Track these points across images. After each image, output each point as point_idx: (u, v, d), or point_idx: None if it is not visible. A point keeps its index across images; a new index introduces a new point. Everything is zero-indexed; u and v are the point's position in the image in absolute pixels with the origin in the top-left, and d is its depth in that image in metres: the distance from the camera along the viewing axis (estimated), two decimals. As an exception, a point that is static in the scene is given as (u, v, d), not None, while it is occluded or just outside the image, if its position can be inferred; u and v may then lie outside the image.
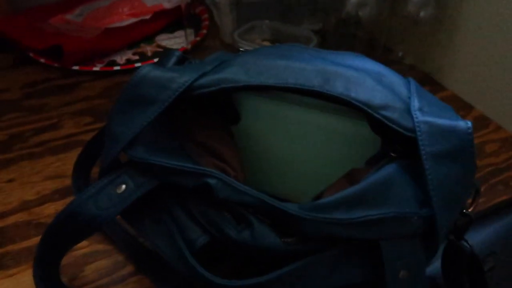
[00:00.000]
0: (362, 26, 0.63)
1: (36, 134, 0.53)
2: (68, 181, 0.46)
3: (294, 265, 0.30)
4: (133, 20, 0.71)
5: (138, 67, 0.49)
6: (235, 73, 0.34)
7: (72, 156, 0.49)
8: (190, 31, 0.75)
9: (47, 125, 0.55)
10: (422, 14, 0.61)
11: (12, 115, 0.56)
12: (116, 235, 0.39)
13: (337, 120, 0.39)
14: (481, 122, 0.61)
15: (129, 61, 0.67)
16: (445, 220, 0.31)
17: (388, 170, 0.32)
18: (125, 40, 0.70)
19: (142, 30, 0.72)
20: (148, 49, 0.71)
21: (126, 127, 0.31)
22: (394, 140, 0.35)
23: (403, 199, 0.31)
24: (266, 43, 0.69)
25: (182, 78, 0.33)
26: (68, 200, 0.42)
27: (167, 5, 0.75)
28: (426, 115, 0.32)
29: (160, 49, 0.72)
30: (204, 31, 0.75)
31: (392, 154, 0.34)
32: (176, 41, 0.74)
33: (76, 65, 0.64)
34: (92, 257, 0.39)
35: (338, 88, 0.33)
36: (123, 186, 0.31)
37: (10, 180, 0.47)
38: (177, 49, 0.69)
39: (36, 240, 0.40)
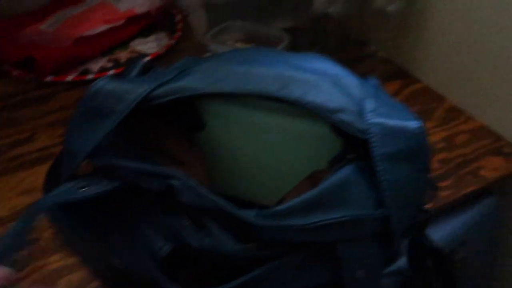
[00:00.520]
0: (334, 22, 0.63)
1: (11, 149, 0.54)
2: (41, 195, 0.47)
3: (257, 271, 0.31)
4: (106, 27, 0.71)
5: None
6: (194, 81, 0.34)
7: (46, 170, 0.50)
8: (163, 34, 0.75)
9: (21, 138, 0.55)
10: (390, 7, 0.61)
11: (-14, 130, 0.56)
12: (81, 250, 0.40)
13: (299, 123, 0.39)
14: (452, 113, 0.62)
15: (103, 69, 0.67)
16: (400, 219, 0.32)
17: (345, 172, 0.33)
18: (99, 47, 0.70)
19: (116, 36, 0.72)
20: (122, 55, 0.71)
21: (83, 141, 0.32)
22: (353, 142, 0.35)
23: (360, 201, 0.31)
24: (240, 44, 0.69)
25: (139, 89, 0.33)
26: (41, 214, 0.43)
27: (140, 10, 0.75)
28: (379, 116, 0.33)
29: (135, 55, 0.72)
30: (179, 34, 0.75)
31: (349, 156, 0.35)
32: (150, 45, 0.74)
33: (50, 75, 0.64)
34: (64, 271, 0.39)
35: (295, 92, 0.34)
36: (85, 188, 0.31)
37: (-15, 197, 0.47)
38: (146, 56, 0.70)
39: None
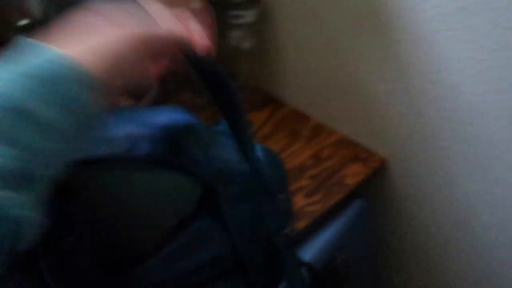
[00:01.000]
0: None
1: None
2: None
3: None
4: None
5: None
6: None
7: None
8: None
9: None
10: (244, 45, 0.66)
11: None
12: None
13: (157, 175, 0.41)
14: (317, 130, 0.68)
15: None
16: (252, 251, 0.35)
17: (201, 221, 0.35)
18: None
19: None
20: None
21: None
22: (208, 189, 0.38)
23: (216, 246, 0.34)
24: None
25: None
26: None
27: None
28: (218, 162, 0.36)
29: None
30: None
31: (206, 203, 0.37)
32: None
33: None
34: None
35: (143, 149, 0.35)
36: None
37: None
38: None
39: None
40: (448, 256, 0.62)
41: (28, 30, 0.48)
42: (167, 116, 0.41)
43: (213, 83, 0.36)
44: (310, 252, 0.52)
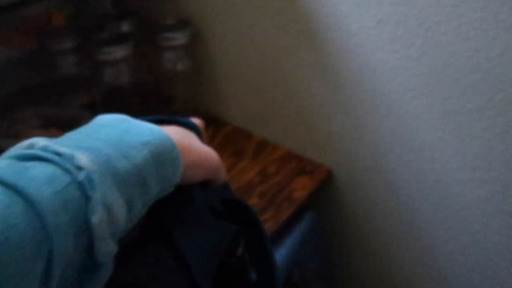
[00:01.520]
0: (129, 91, 0.64)
1: None
2: None
3: None
4: None
5: None
6: None
7: None
8: None
9: None
10: (178, 67, 0.65)
11: None
12: None
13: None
14: (262, 146, 0.68)
15: None
16: (206, 274, 0.33)
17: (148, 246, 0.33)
18: None
19: None
20: None
21: None
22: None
23: (168, 272, 0.32)
24: (39, 132, 0.65)
25: None
26: None
27: None
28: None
29: None
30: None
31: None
32: None
33: None
34: None
35: None
36: None
37: None
38: None
39: None
40: (400, 258, 0.64)
41: None
42: None
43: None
44: (265, 272, 0.51)
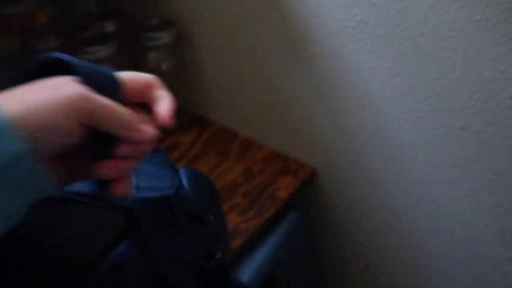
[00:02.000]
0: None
1: None
2: None
3: None
4: None
5: None
6: None
7: None
8: None
9: None
10: (164, 67, 0.65)
11: None
12: None
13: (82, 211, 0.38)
14: (246, 145, 0.68)
15: None
16: (182, 277, 0.33)
17: (122, 251, 0.33)
18: None
19: None
20: None
21: None
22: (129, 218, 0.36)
23: (137, 272, 0.32)
24: None
25: None
26: None
27: None
28: (140, 192, 0.34)
29: None
30: None
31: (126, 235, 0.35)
32: None
33: None
34: None
35: (74, 187, 0.34)
36: None
37: None
38: None
39: None
40: (384, 257, 0.64)
41: None
42: None
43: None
44: (248, 271, 0.51)
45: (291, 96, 0.60)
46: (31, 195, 0.24)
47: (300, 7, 0.51)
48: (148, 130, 0.29)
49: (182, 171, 0.43)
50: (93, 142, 0.27)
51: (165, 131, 0.71)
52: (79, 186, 0.33)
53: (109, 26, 0.67)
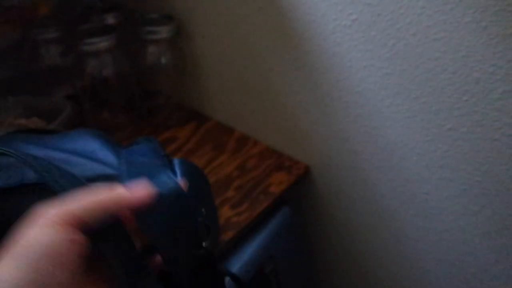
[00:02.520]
0: (113, 83, 0.65)
1: None
2: None
3: None
4: None
5: None
6: None
7: None
8: None
9: None
10: (163, 61, 0.66)
11: None
12: None
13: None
14: (242, 141, 0.69)
15: None
16: (175, 260, 0.35)
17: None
18: None
19: None
20: None
21: None
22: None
23: None
24: (23, 121, 0.65)
25: None
26: None
27: None
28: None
29: None
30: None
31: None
32: None
33: None
34: None
35: (31, 178, 0.35)
36: None
37: None
38: None
39: None
40: (374, 254, 0.65)
41: None
42: (81, 142, 0.40)
43: None
44: (238, 263, 0.52)
45: (286, 93, 0.60)
46: None
47: (296, 5, 0.51)
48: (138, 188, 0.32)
49: (176, 162, 0.44)
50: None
51: (162, 125, 0.72)
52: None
53: (110, 19, 0.68)
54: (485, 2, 0.38)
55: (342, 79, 0.52)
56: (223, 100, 0.71)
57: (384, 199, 0.58)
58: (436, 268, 0.58)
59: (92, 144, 0.40)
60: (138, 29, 0.64)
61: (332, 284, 0.73)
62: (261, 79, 0.63)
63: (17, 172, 0.35)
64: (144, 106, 0.73)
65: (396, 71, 0.47)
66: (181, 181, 0.38)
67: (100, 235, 0.29)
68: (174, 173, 0.43)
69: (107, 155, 0.39)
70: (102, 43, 0.61)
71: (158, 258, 0.35)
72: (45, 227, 0.26)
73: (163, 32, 0.63)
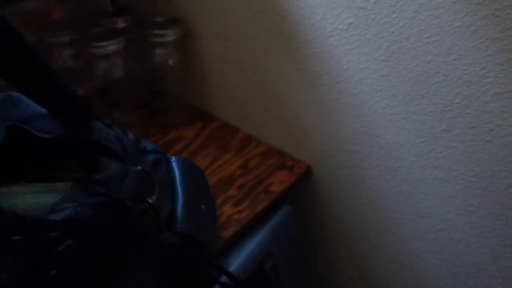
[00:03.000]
0: (122, 85, 0.68)
1: None
2: None
3: None
4: None
5: None
6: None
7: None
8: None
9: None
10: (170, 62, 0.68)
11: None
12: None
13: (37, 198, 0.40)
14: (246, 141, 0.71)
15: None
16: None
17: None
18: None
19: None
20: None
21: None
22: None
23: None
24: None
25: None
26: None
27: None
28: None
29: None
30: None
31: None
32: None
33: None
34: None
35: None
36: None
37: None
38: None
39: None
40: (374, 253, 0.66)
41: None
42: None
43: None
44: (237, 260, 0.54)
45: (287, 93, 0.62)
46: None
47: (295, 10, 0.53)
48: None
49: (173, 160, 0.46)
50: None
51: (169, 125, 0.75)
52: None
53: (120, 23, 0.71)
54: (475, 7, 0.39)
55: (340, 81, 0.54)
56: (228, 100, 0.73)
57: (382, 199, 0.59)
58: (433, 266, 0.58)
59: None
60: (146, 32, 0.67)
61: (331, 282, 0.74)
62: (263, 80, 0.64)
63: None
64: (152, 106, 0.75)
65: (391, 74, 0.48)
66: None
67: None
68: (171, 170, 0.45)
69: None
70: (112, 46, 0.64)
71: None
72: None
73: (170, 34, 0.66)
